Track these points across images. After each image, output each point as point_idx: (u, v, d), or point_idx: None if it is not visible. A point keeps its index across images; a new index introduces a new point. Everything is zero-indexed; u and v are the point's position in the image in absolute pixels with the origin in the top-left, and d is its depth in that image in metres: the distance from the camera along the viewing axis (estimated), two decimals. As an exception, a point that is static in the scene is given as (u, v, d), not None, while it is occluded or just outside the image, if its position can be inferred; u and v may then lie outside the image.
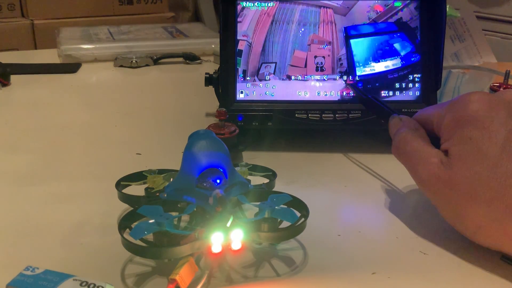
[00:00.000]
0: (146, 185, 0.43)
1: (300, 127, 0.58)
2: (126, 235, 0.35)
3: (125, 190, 0.43)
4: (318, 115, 0.58)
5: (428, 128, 0.43)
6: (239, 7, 0.58)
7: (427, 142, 0.42)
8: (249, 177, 0.44)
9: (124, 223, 0.37)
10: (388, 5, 0.59)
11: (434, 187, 0.39)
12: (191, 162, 0.38)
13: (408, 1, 0.59)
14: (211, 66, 0.98)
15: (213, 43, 1.04)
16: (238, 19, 0.58)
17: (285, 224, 0.37)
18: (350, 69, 0.59)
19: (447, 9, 0.59)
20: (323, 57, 0.59)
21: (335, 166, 0.56)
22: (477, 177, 0.36)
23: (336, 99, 0.59)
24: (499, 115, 0.37)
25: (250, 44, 0.58)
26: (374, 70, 0.59)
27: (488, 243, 0.38)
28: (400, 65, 0.59)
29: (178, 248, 0.34)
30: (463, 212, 0.38)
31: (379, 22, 0.59)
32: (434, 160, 0.39)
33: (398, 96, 0.59)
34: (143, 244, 0.35)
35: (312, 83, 0.59)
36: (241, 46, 0.58)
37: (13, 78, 0.85)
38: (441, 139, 0.40)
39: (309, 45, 0.59)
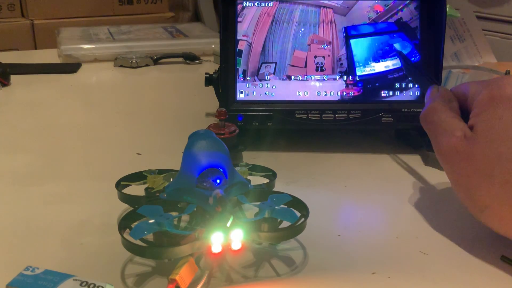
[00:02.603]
0: (146, 185, 0.43)
1: (300, 127, 0.58)
2: (126, 235, 0.35)
3: (125, 190, 0.43)
4: (318, 115, 0.58)
5: (461, 102, 0.43)
6: (239, 7, 0.58)
7: (456, 114, 0.42)
8: (249, 177, 0.44)
9: (124, 223, 0.37)
10: (388, 5, 0.59)
11: (451, 160, 0.39)
12: (191, 162, 0.38)
13: (408, 1, 0.59)
14: (211, 66, 0.98)
15: (213, 43, 1.04)
16: (238, 19, 0.58)
17: (285, 224, 0.37)
18: (350, 69, 0.59)
19: (447, 9, 0.59)
20: (323, 57, 0.59)
21: (335, 166, 0.56)
22: (498, 157, 0.36)
23: (336, 99, 0.59)
24: None
25: (250, 44, 0.58)
26: (374, 70, 0.59)
27: (493, 224, 0.38)
28: (400, 65, 0.59)
29: (178, 248, 0.34)
30: (475, 188, 0.38)
31: (379, 22, 0.59)
32: (458, 134, 0.39)
33: (398, 96, 0.59)
34: (143, 244, 0.35)
35: (312, 83, 0.59)
36: (241, 46, 0.58)
37: (13, 78, 0.85)
38: (471, 113, 0.41)
39: (309, 45, 0.59)
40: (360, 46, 0.59)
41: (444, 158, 0.41)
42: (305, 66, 0.59)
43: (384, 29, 0.59)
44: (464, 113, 0.42)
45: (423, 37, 0.59)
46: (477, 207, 0.38)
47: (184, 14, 2.26)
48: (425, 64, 0.59)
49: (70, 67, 0.96)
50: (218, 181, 0.37)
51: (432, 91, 0.47)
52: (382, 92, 0.59)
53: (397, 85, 0.59)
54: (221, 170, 0.38)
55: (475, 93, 0.41)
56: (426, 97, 0.47)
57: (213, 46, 1.03)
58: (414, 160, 0.57)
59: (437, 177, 0.52)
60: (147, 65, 0.98)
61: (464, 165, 0.38)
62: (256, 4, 0.58)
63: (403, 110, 0.58)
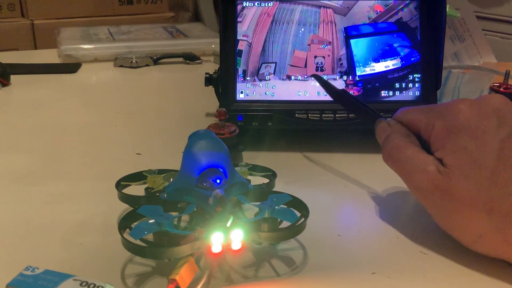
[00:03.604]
0: (146, 185, 0.43)
1: (300, 127, 0.58)
2: (126, 235, 0.35)
3: (125, 190, 0.43)
4: (318, 115, 0.58)
5: (413, 133, 0.43)
6: (239, 7, 0.58)
7: (420, 148, 0.41)
8: (249, 177, 0.44)
9: (124, 223, 0.37)
10: (388, 5, 0.59)
11: (432, 196, 0.39)
12: (191, 162, 0.38)
13: (408, 1, 0.59)
14: (211, 66, 0.98)
15: (213, 43, 1.04)
16: (238, 19, 0.58)
17: (285, 224, 0.37)
18: (350, 69, 0.59)
19: (447, 9, 0.59)
20: (323, 57, 0.59)
21: (335, 166, 0.56)
22: (477, 187, 0.36)
23: (336, 99, 0.59)
24: (490, 124, 0.37)
25: (250, 44, 0.58)
26: (374, 70, 0.59)
27: (488, 252, 0.38)
28: (400, 65, 0.59)
29: (178, 248, 0.34)
30: (463, 222, 0.37)
31: (379, 22, 0.59)
32: (431, 168, 0.38)
33: (398, 96, 0.59)
34: (143, 244, 0.35)
35: (312, 83, 0.59)
36: (241, 46, 0.58)
37: (13, 78, 0.85)
38: (432, 147, 0.40)
39: (309, 45, 0.59)
40: (360, 46, 0.59)
41: (423, 195, 0.40)
42: (305, 66, 0.59)
43: (384, 29, 0.59)
44: (421, 144, 0.41)
45: (423, 37, 0.59)
46: (469, 238, 0.38)
47: (184, 14, 2.26)
48: (425, 64, 0.59)
49: (70, 67, 0.96)
50: (218, 181, 0.37)
51: (381, 126, 0.45)
52: (382, 92, 0.59)
53: (397, 85, 0.59)
54: (221, 170, 0.38)
55: (428, 125, 0.41)
56: (376, 134, 0.46)
57: (213, 46, 1.03)
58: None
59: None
60: (147, 65, 0.98)
61: (446, 200, 0.38)
62: (256, 4, 0.58)
63: (403, 110, 0.58)
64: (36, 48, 1.74)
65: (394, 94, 0.59)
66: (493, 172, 0.36)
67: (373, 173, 0.54)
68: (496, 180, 0.36)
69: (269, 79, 0.59)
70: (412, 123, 0.43)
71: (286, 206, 0.39)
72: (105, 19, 1.81)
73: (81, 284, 0.31)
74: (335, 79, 0.59)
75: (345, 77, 0.59)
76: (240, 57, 0.58)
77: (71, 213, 0.45)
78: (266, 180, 0.46)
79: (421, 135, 0.42)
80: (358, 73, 0.59)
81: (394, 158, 0.42)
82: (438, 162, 0.39)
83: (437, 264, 0.39)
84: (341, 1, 0.59)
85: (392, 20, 0.59)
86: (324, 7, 0.59)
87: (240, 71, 0.58)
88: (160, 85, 0.91)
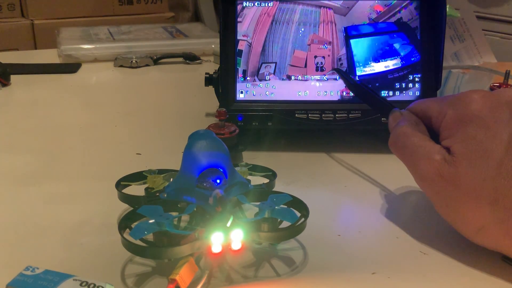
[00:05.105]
0: (146, 185, 0.43)
1: (300, 127, 0.58)
2: (126, 235, 0.35)
3: (125, 190, 0.43)
4: (318, 115, 0.58)
5: (425, 122, 0.43)
6: (239, 7, 0.58)
7: (428, 137, 0.41)
8: (249, 177, 0.44)
9: (124, 223, 0.37)
10: (388, 5, 0.59)
11: (436, 185, 0.38)
12: (191, 162, 0.38)
13: (408, 1, 0.59)
14: (211, 66, 0.98)
15: (213, 43, 1.04)
16: (238, 19, 0.58)
17: (285, 224, 0.37)
18: (350, 69, 0.59)
19: (447, 9, 0.59)
20: (323, 57, 0.59)
21: (335, 166, 0.56)
22: (483, 177, 0.36)
23: (336, 99, 0.59)
24: (502, 115, 0.37)
25: (250, 44, 0.58)
26: (374, 70, 0.59)
27: (488, 244, 0.38)
28: (400, 65, 0.59)
29: (178, 248, 0.34)
30: (466, 212, 0.37)
31: (379, 22, 0.59)
32: (437, 157, 0.38)
33: (398, 96, 0.59)
34: (143, 244, 0.35)
35: (312, 83, 0.59)
36: (241, 46, 0.58)
37: (13, 78, 0.85)
38: (441, 135, 0.40)
39: (309, 45, 0.59)
40: (360, 46, 0.59)
41: (427, 184, 0.39)
42: (305, 66, 0.59)
43: (384, 29, 0.59)
44: (431, 134, 0.41)
45: (423, 37, 0.59)
46: (471, 229, 0.38)
47: (184, 14, 2.26)
48: (425, 64, 0.59)
49: (70, 67, 0.96)
50: (218, 181, 0.37)
51: (394, 115, 0.45)
52: (382, 92, 0.59)
53: (397, 85, 0.59)
54: (221, 170, 0.38)
55: (440, 114, 0.41)
56: (389, 123, 0.46)
57: (213, 46, 1.03)
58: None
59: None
60: (147, 65, 0.98)
61: (451, 189, 0.37)
62: (256, 4, 0.58)
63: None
64: (36, 48, 1.74)
65: (394, 94, 0.59)
66: (500, 164, 0.36)
67: (373, 173, 0.54)
68: (502, 172, 0.35)
69: (269, 79, 0.59)
70: (425, 112, 0.43)
71: (286, 206, 0.39)
72: (105, 19, 1.81)
73: (81, 284, 0.31)
74: (335, 79, 0.59)
75: (345, 77, 0.59)
76: (240, 57, 0.58)
77: (71, 213, 0.45)
78: (266, 180, 0.46)
79: (432, 123, 0.42)
80: (358, 73, 0.59)
81: (399, 144, 0.42)
82: (445, 151, 0.38)
83: (437, 264, 0.39)
84: (341, 1, 0.59)
85: (392, 20, 0.59)
86: (324, 7, 0.59)
87: (240, 71, 0.58)
88: (160, 85, 0.91)
